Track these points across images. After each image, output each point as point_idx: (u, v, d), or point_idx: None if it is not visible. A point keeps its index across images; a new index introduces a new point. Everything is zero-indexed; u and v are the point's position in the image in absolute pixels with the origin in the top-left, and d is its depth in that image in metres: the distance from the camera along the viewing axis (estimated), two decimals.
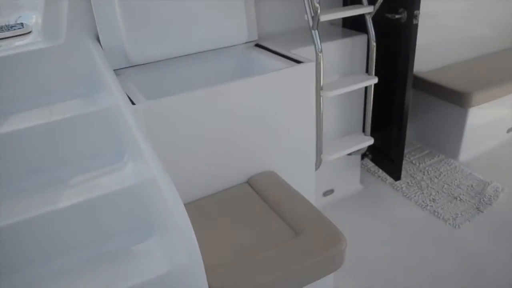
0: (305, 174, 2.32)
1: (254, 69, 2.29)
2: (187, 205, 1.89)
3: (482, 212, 2.76)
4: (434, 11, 3.32)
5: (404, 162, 3.24)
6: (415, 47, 2.43)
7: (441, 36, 3.45)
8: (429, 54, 3.43)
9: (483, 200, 2.85)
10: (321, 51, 2.14)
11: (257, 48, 2.37)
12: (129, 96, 1.77)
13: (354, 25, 2.66)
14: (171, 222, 1.22)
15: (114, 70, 1.96)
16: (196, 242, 1.11)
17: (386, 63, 2.58)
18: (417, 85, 3.34)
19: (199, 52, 2.29)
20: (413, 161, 3.29)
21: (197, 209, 1.91)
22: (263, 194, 1.99)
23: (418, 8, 2.29)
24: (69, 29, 2.01)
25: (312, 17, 2.10)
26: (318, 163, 2.45)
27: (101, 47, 2.03)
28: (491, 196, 2.89)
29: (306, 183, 2.32)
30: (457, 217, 2.72)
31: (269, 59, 2.24)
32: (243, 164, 2.09)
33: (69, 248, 1.54)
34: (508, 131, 3.54)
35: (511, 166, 3.22)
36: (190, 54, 2.27)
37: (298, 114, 2.14)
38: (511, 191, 2.94)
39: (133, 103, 1.71)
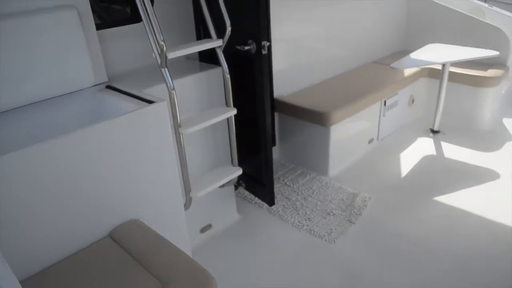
0: (175, 216, 2.23)
1: (107, 112, 2.15)
2: (35, 276, 1.68)
3: (354, 223, 2.90)
4: (291, 36, 3.50)
5: (278, 185, 3.32)
6: (268, 75, 2.49)
7: (300, 59, 3.65)
8: (290, 78, 3.61)
9: (354, 212, 3.00)
10: (173, 89, 2.09)
11: (108, 90, 2.24)
12: None
13: (210, 58, 2.67)
14: None
15: None
16: None
17: (246, 92, 2.62)
18: (282, 109, 3.47)
19: (45, 100, 2.10)
20: (287, 183, 3.37)
21: (48, 279, 1.70)
22: (126, 247, 1.84)
23: (266, 39, 2.36)
24: None
25: (159, 55, 2.05)
26: (188, 203, 2.37)
27: None
28: (360, 206, 3.05)
29: (176, 225, 2.22)
30: (331, 232, 2.82)
31: (121, 101, 2.12)
32: (103, 216, 1.93)
33: None
34: (369, 142, 3.82)
35: (375, 175, 3.46)
36: (35, 103, 2.07)
37: (157, 155, 2.05)
38: (377, 198, 3.14)
39: None
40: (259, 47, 2.36)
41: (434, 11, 4.65)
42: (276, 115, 3.55)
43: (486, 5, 5.01)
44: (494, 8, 4.91)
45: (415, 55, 3.73)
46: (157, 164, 2.05)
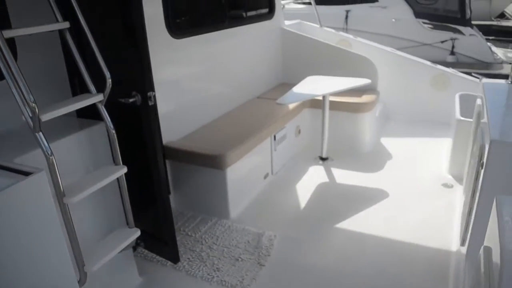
0: None
1: None
2: None
3: (264, 265, 2.81)
4: (172, 78, 3.38)
5: (179, 236, 3.12)
6: (156, 125, 2.34)
7: (185, 100, 3.54)
8: (177, 121, 3.47)
9: (262, 253, 2.92)
10: (51, 154, 1.83)
11: None
12: None
13: (89, 111, 2.43)
14: None
15: None
16: None
17: (134, 145, 2.42)
18: (173, 156, 3.31)
19: None
20: (189, 233, 3.19)
21: None
22: None
23: (152, 90, 2.22)
24: None
25: (31, 118, 1.79)
26: (83, 278, 2.08)
27: None
28: (267, 246, 2.99)
29: None
30: (243, 279, 2.70)
31: None
32: None
33: None
34: (265, 177, 3.82)
35: (275, 211, 3.45)
36: None
37: (40, 233, 1.76)
38: (282, 235, 3.11)
39: None
40: (145, 98, 2.21)
41: (306, 44, 4.91)
42: (167, 162, 3.37)
43: (351, 36, 5.46)
44: (359, 39, 5.37)
45: (298, 89, 3.87)
46: (43, 242, 1.76)
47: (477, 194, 2.33)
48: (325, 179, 3.90)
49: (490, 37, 12.26)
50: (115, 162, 2.26)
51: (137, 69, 2.22)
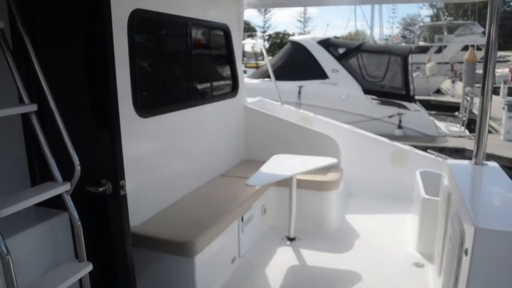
0: None
1: None
2: None
3: None
4: (136, 157, 3.20)
5: None
6: (127, 218, 2.15)
7: (150, 180, 3.36)
8: (137, 204, 3.24)
9: None
10: (7, 254, 1.60)
11: None
12: None
13: (52, 201, 2.21)
14: None
15: None
16: None
17: (101, 239, 2.20)
18: (137, 242, 3.05)
19: None
20: None
21: None
22: None
23: (123, 178, 2.05)
24: None
25: None
26: None
27: None
28: None
29: None
30: None
31: None
32: None
33: None
34: (232, 261, 3.61)
35: None
36: None
37: None
38: None
39: None
40: (116, 187, 2.04)
41: (268, 122, 4.94)
42: None
43: (311, 114, 5.58)
44: (319, 116, 5.49)
45: (265, 169, 3.80)
46: None
47: (461, 280, 2.28)
48: (294, 261, 3.75)
49: (432, 112, 13.07)
50: (78, 258, 2.03)
51: (109, 155, 2.07)
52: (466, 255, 2.16)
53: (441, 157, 4.95)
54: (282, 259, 3.78)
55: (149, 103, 3.42)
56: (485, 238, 2.05)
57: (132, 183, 3.13)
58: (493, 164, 3.16)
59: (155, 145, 3.49)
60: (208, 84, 4.36)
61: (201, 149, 4.11)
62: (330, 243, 4.04)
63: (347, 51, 11.85)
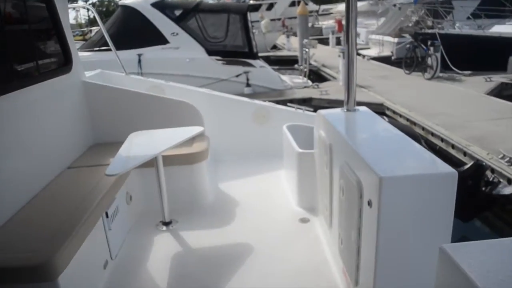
0: None
1: None
2: None
3: None
4: None
5: None
6: None
7: None
8: None
9: None
10: None
11: None
12: None
13: None
14: None
15: None
16: None
17: None
18: None
19: None
20: None
21: None
22: None
23: None
24: None
25: None
26: None
27: None
28: None
29: None
30: None
31: None
32: None
33: None
34: (105, 266, 3.02)
35: None
36: None
37: None
38: None
39: None
40: None
41: (114, 96, 4.29)
42: None
43: (163, 82, 5.05)
44: (171, 83, 5.00)
45: (125, 151, 3.21)
46: None
47: (364, 233, 2.16)
48: (176, 247, 3.33)
49: (275, 67, 13.44)
50: None
51: None
52: (371, 207, 2.01)
53: (301, 109, 4.92)
54: (162, 248, 3.33)
55: None
56: (391, 187, 1.90)
57: None
58: (363, 108, 3.12)
59: None
60: (32, 64, 3.52)
61: (37, 141, 3.29)
62: (210, 218, 3.71)
63: (185, 12, 11.31)
